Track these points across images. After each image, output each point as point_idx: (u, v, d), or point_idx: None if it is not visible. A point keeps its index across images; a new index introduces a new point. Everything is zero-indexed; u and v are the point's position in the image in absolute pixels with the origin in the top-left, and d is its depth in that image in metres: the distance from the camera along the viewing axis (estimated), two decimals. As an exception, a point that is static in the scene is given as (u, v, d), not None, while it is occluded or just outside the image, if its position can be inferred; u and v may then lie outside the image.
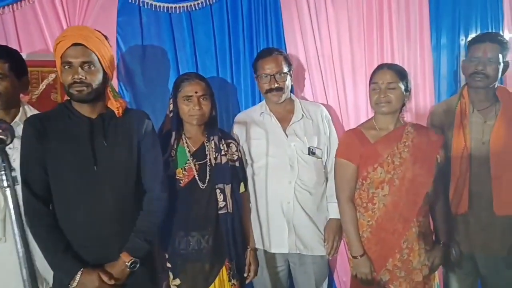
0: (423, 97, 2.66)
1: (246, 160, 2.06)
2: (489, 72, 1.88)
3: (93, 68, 1.54)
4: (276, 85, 2.00)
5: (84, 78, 1.51)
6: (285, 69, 2.03)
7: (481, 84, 1.91)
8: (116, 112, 1.62)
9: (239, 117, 2.15)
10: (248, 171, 2.06)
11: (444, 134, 1.99)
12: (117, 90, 2.12)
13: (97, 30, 1.62)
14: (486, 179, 1.89)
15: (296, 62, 2.43)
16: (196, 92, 1.80)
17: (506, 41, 1.93)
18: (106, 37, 1.63)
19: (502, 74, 1.94)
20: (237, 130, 2.10)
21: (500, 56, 1.88)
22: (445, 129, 2.01)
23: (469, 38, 2.06)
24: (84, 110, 1.58)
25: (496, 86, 1.96)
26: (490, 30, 2.86)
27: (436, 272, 1.96)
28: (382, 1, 2.54)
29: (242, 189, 1.98)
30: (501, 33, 2.90)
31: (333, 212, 2.03)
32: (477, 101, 1.97)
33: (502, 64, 1.90)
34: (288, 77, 2.05)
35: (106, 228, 1.55)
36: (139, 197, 1.65)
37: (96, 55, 1.54)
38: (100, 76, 1.56)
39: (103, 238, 1.55)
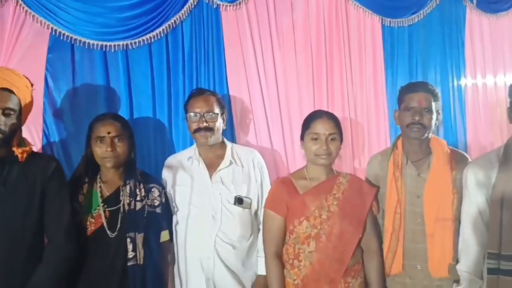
0: (377, 142, 2.56)
1: (174, 207, 1.93)
2: (425, 122, 1.80)
3: (12, 116, 1.48)
4: (204, 124, 1.89)
5: (2, 125, 1.45)
6: (216, 110, 1.93)
7: (418, 134, 1.81)
8: (19, 156, 1.52)
9: (169, 160, 2.02)
10: (174, 219, 1.91)
11: (379, 186, 1.86)
12: (41, 128, 2.02)
13: (25, 76, 1.58)
14: (421, 236, 1.75)
15: (240, 104, 2.34)
16: (109, 133, 1.69)
17: (437, 91, 1.86)
18: (32, 84, 1.59)
19: (435, 125, 1.85)
20: (165, 174, 1.97)
21: (433, 105, 1.80)
22: (380, 181, 1.88)
23: (399, 88, 1.96)
24: None
25: (429, 137, 1.86)
26: (450, 77, 2.82)
27: None
28: (332, 45, 2.48)
29: (164, 237, 1.83)
30: (463, 78, 2.86)
31: (262, 267, 1.86)
32: (412, 153, 1.86)
33: (435, 114, 1.82)
34: (220, 119, 1.94)
35: None
36: (40, 250, 1.53)
37: (20, 104, 1.50)
38: (15, 123, 1.50)
39: None
